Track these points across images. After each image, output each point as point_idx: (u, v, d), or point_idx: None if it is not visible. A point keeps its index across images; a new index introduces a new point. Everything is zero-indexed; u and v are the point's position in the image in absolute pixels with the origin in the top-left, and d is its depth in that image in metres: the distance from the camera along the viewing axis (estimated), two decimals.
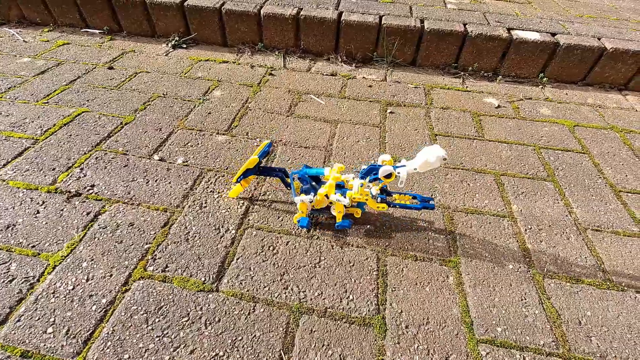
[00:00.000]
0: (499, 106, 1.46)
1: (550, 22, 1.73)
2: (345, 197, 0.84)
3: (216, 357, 0.66)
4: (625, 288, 0.82)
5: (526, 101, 1.51)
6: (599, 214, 1.00)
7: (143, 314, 0.72)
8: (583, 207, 1.02)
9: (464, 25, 1.62)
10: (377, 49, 1.70)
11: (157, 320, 0.71)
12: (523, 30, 1.60)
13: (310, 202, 0.86)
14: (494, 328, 0.73)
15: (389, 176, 0.77)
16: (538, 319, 0.75)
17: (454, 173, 1.12)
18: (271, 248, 0.86)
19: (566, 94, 1.58)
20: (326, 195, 0.84)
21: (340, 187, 0.88)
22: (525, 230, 0.94)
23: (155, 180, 1.02)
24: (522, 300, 0.78)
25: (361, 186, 0.82)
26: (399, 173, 0.76)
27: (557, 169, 1.16)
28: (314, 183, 0.88)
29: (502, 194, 1.05)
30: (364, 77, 1.62)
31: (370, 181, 0.82)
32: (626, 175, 1.15)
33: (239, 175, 0.91)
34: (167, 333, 0.69)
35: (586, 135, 1.32)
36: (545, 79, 1.62)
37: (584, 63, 1.57)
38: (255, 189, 1.02)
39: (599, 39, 1.57)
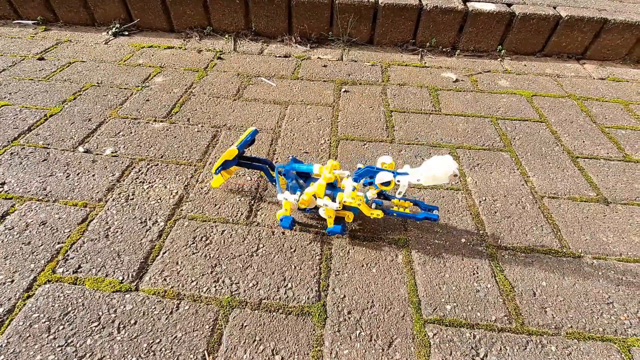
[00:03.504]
0: (457, 80, 1.41)
1: None
2: (335, 199, 0.73)
3: None
4: (582, 254, 0.78)
5: (485, 74, 1.47)
6: (555, 181, 0.96)
7: (45, 322, 0.62)
8: (539, 175, 0.98)
9: None
10: (332, 28, 1.62)
11: (61, 327, 0.61)
12: (479, 1, 1.56)
13: (296, 201, 0.74)
14: (442, 306, 0.67)
15: (387, 184, 0.66)
16: (490, 293, 0.70)
17: (407, 149, 1.06)
18: (204, 239, 0.78)
19: (525, 65, 1.54)
20: (314, 196, 0.73)
21: (332, 186, 0.76)
22: (480, 202, 0.89)
23: (77, 174, 0.91)
24: (473, 274, 0.73)
25: (353, 190, 0.71)
26: (398, 181, 0.65)
27: (514, 139, 1.11)
28: (301, 181, 0.77)
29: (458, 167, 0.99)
30: (319, 58, 1.54)
31: (364, 185, 0.71)
32: (583, 141, 1.12)
33: (218, 167, 0.80)
34: (72, 341, 0.60)
35: (544, 104, 1.29)
36: (503, 51, 1.58)
37: (541, 33, 1.54)
38: (191, 177, 0.93)
39: (555, 7, 1.54)
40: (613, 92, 1.38)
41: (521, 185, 0.94)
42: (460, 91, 1.35)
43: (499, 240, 0.80)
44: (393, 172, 0.66)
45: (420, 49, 1.61)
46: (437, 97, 1.30)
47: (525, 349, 0.62)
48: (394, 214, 0.76)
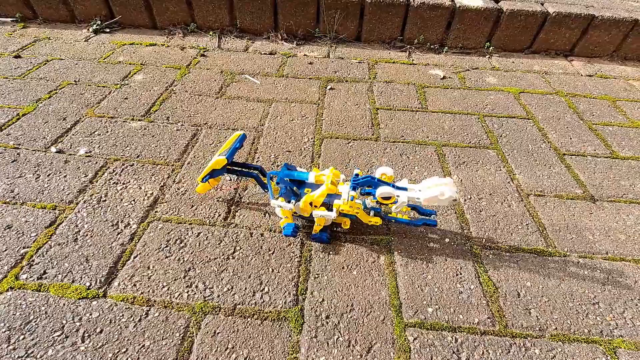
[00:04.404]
0: (444, 77, 1.39)
1: None
2: (331, 207, 0.69)
3: None
4: (568, 253, 0.77)
5: (472, 71, 1.45)
6: (542, 179, 0.95)
7: (5, 331, 0.59)
8: (526, 173, 0.96)
9: None
10: (318, 24, 1.59)
11: (21, 337, 0.58)
12: None
13: (290, 210, 0.71)
14: (424, 309, 0.65)
15: (387, 198, 0.64)
16: (473, 294, 0.68)
17: (393, 147, 1.03)
18: (178, 241, 0.74)
19: (513, 62, 1.53)
20: (310, 203, 0.70)
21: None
22: (465, 200, 0.87)
23: (48, 175, 0.87)
24: (457, 275, 0.71)
25: (352, 199, 0.67)
26: (397, 196, 0.64)
27: (501, 136, 1.10)
28: (295, 187, 0.73)
29: (443, 165, 0.97)
30: (305, 55, 1.51)
31: (362, 194, 0.68)
32: (570, 138, 1.10)
33: (204, 176, 0.76)
34: (33, 352, 0.56)
35: (531, 101, 1.28)
36: (491, 48, 1.57)
37: (529, 29, 1.53)
38: (168, 177, 0.89)
39: (542, 4, 1.53)
40: (600, 88, 1.37)
41: (507, 183, 0.93)
42: (448, 88, 1.33)
43: (484, 240, 0.78)
44: (392, 186, 0.65)
45: (408, 46, 1.59)
46: (424, 95, 1.28)
47: (509, 352, 0.60)
48: (392, 220, 0.74)
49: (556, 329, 0.64)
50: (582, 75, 1.46)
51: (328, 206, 0.70)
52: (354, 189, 0.67)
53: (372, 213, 0.72)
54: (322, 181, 0.71)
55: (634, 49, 1.55)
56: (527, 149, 1.05)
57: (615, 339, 0.63)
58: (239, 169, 0.80)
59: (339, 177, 0.72)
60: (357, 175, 0.67)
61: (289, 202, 0.71)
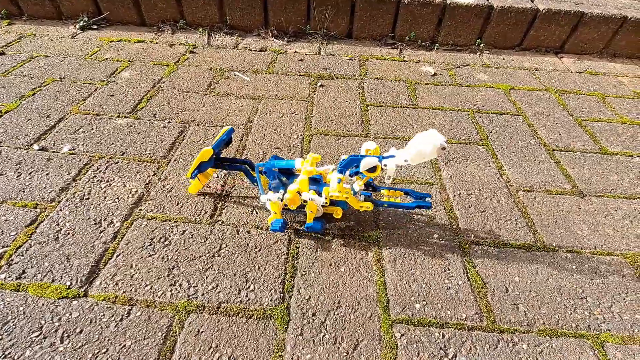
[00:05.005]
0: (435, 74, 1.39)
1: None
2: (321, 194, 0.69)
3: None
4: (556, 248, 0.77)
5: (463, 68, 1.45)
6: (531, 174, 0.95)
7: None
8: (515, 169, 0.96)
9: None
10: (309, 21, 1.58)
11: None
12: None
13: (280, 200, 0.70)
14: (412, 305, 0.64)
15: (373, 170, 0.62)
16: (461, 290, 0.67)
17: (383, 143, 1.03)
18: (162, 240, 0.73)
19: (503, 59, 1.53)
20: (298, 193, 0.69)
21: (317, 181, 0.72)
22: (454, 196, 0.87)
23: (30, 173, 0.85)
24: (445, 271, 0.70)
25: (339, 182, 0.66)
26: (385, 165, 0.62)
27: (491, 132, 1.09)
28: (284, 178, 0.71)
29: (432, 161, 0.97)
30: (295, 52, 1.50)
31: (350, 175, 0.67)
32: (560, 134, 1.11)
33: (193, 170, 0.74)
34: (10, 353, 0.55)
35: (522, 97, 1.28)
36: (482, 45, 1.57)
37: (519, 26, 1.53)
38: (154, 175, 0.88)
39: (532, 0, 1.53)
40: (590, 85, 1.38)
41: (496, 179, 0.92)
42: (438, 85, 1.32)
43: (472, 235, 0.78)
44: (378, 157, 0.62)
45: (399, 43, 1.58)
46: (414, 91, 1.28)
47: (496, 347, 0.59)
48: (385, 205, 0.72)
49: (544, 323, 0.63)
50: (572, 72, 1.47)
51: (320, 195, 0.69)
52: (341, 172, 0.67)
53: (362, 198, 0.71)
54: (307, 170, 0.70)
55: (623, 45, 1.56)
56: (516, 145, 1.05)
57: (602, 333, 0.63)
58: (228, 163, 0.79)
59: (319, 159, 0.70)
60: (343, 159, 0.66)
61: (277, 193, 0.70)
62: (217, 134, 1.02)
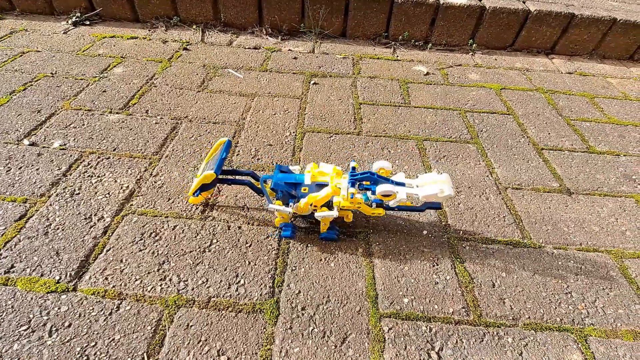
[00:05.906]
0: (427, 73, 1.40)
1: None
2: (331, 205, 0.68)
3: None
4: (543, 244, 0.78)
5: (455, 68, 1.46)
6: (520, 173, 0.96)
7: None
8: (504, 167, 0.98)
9: None
10: (304, 19, 1.58)
11: None
12: None
13: (289, 213, 0.69)
14: (400, 299, 0.65)
15: (387, 195, 0.64)
16: (449, 285, 0.68)
17: (375, 141, 1.04)
18: (153, 235, 0.73)
19: (495, 59, 1.55)
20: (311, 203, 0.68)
21: (322, 186, 0.70)
22: None
23: (19, 168, 0.85)
24: (433, 266, 0.71)
25: (352, 197, 0.66)
26: (397, 192, 0.63)
27: (481, 131, 1.11)
28: (293, 191, 0.70)
29: (423, 159, 0.98)
30: (289, 50, 1.50)
31: (360, 189, 0.68)
32: (549, 133, 1.12)
33: (195, 190, 0.73)
34: None
35: (512, 97, 1.29)
36: (475, 45, 1.58)
37: (511, 27, 1.55)
38: (145, 170, 0.88)
39: (524, 2, 1.55)
40: (579, 86, 1.40)
41: (486, 177, 0.94)
42: (431, 84, 1.34)
43: (461, 232, 0.79)
44: (390, 181, 0.64)
45: (393, 43, 1.59)
46: (407, 90, 1.29)
47: (482, 341, 0.61)
48: (396, 209, 0.72)
49: (529, 318, 0.65)
50: (562, 72, 1.49)
51: (327, 203, 0.69)
52: (352, 184, 0.66)
53: (374, 205, 0.71)
54: (319, 180, 0.69)
55: (612, 47, 1.59)
56: (506, 144, 1.06)
57: (586, 327, 0.64)
58: (231, 177, 0.78)
59: (342, 175, 0.70)
60: (354, 169, 0.66)
61: (287, 205, 0.69)
62: (209, 131, 1.03)
